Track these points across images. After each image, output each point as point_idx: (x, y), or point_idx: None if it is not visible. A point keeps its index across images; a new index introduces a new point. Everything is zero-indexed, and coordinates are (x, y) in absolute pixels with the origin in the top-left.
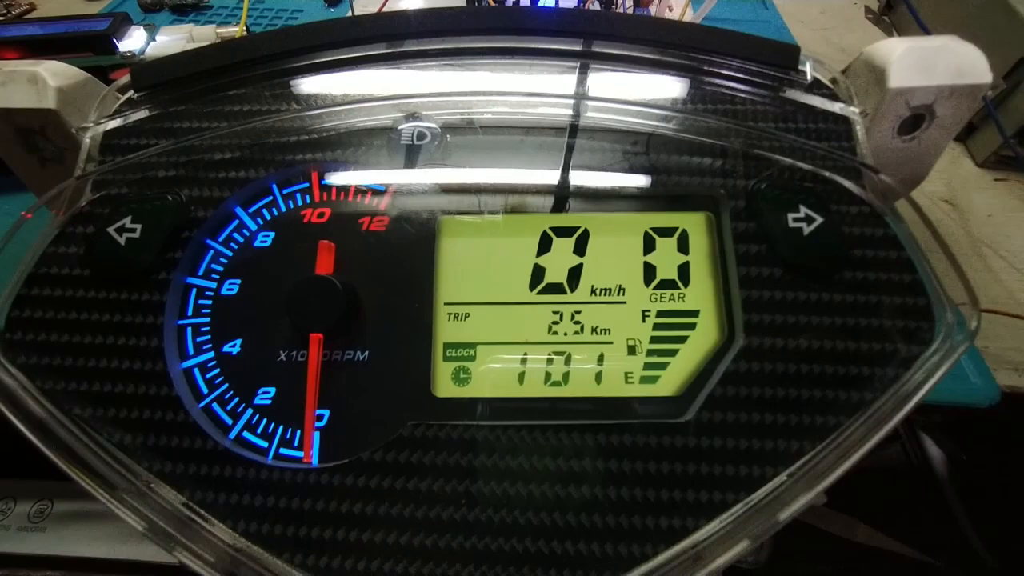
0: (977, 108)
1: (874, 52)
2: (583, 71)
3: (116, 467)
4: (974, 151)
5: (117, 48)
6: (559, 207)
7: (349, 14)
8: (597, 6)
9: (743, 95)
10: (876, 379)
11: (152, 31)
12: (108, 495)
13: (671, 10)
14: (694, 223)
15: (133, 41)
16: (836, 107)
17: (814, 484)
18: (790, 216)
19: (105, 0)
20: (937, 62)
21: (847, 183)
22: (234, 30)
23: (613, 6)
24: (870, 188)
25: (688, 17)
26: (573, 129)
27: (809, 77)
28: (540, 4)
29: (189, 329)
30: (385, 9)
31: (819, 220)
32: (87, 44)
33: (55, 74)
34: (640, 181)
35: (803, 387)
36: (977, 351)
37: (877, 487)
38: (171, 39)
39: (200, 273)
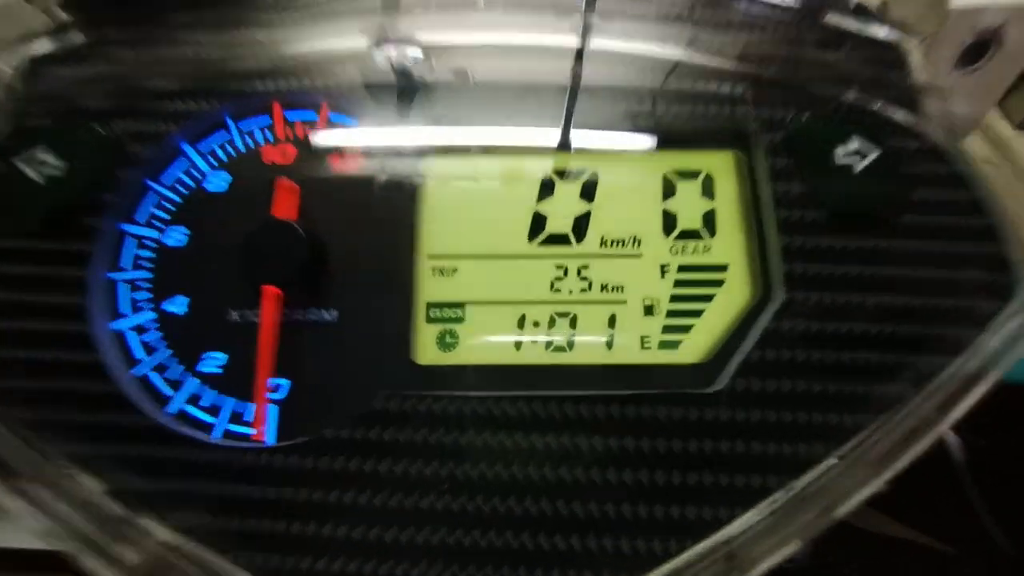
0: None
1: None
2: None
3: (23, 449)
4: (1010, 112)
5: None
6: (564, 146)
7: None
8: None
9: (778, 18)
10: (945, 342)
11: None
12: (7, 486)
13: None
14: (721, 164)
15: None
16: (885, 33)
17: (876, 469)
18: (839, 151)
19: None
20: None
21: (903, 115)
22: None
23: None
24: (931, 121)
25: None
26: (579, 56)
27: (853, 1)
28: None
29: (123, 284)
30: None
31: (873, 155)
32: None
33: None
34: (658, 117)
35: (856, 351)
36: None
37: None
38: None
39: (140, 219)
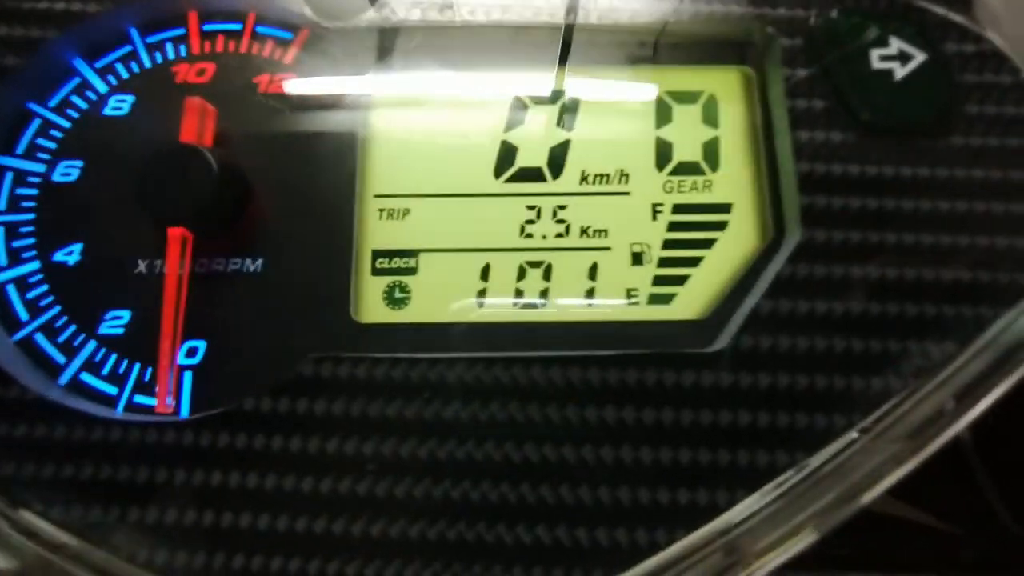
0: None
1: None
2: None
3: None
4: None
5: None
6: (537, 62)
7: None
8: None
9: None
10: (996, 292)
11: None
12: None
13: None
14: (726, 84)
15: None
16: None
17: (907, 445)
18: (876, 53)
19: None
20: None
21: (955, 12)
22: None
23: None
24: (991, 19)
25: None
26: None
27: None
28: None
29: (1, 229)
30: None
31: (919, 59)
32: None
33: None
34: (650, 25)
35: (886, 303)
36: None
37: None
38: None
39: (19, 151)
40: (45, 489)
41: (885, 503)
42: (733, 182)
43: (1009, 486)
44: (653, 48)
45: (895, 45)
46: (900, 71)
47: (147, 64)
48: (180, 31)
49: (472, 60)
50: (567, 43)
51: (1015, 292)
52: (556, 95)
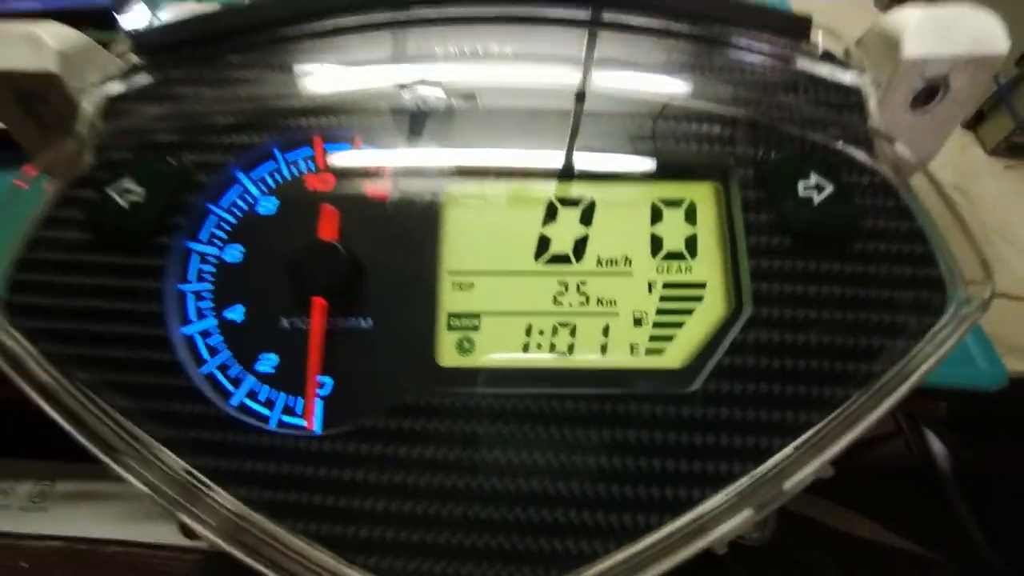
0: (990, 85)
1: (888, 21)
2: (591, 39)
3: (119, 432)
4: (984, 139)
5: (119, 24)
6: (565, 177)
7: None
8: None
9: (754, 65)
10: (886, 351)
11: (154, 7)
12: (112, 459)
13: None
14: (702, 194)
15: (135, 17)
16: (848, 77)
17: (819, 455)
18: (801, 184)
19: None
20: (953, 30)
21: (859, 153)
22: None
23: None
24: (883, 159)
25: None
26: (580, 97)
27: (820, 48)
28: None
29: (190, 294)
30: None
31: (830, 189)
32: (89, 19)
33: (55, 36)
34: (648, 151)
35: (812, 358)
36: (985, 336)
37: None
38: (174, 14)
39: (202, 238)
40: (227, 476)
41: (871, 530)
42: (707, 267)
43: (985, 515)
44: (648, 169)
45: (813, 179)
46: (817, 197)
47: (287, 175)
48: (309, 151)
49: (517, 156)
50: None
51: (896, 354)
52: (579, 200)
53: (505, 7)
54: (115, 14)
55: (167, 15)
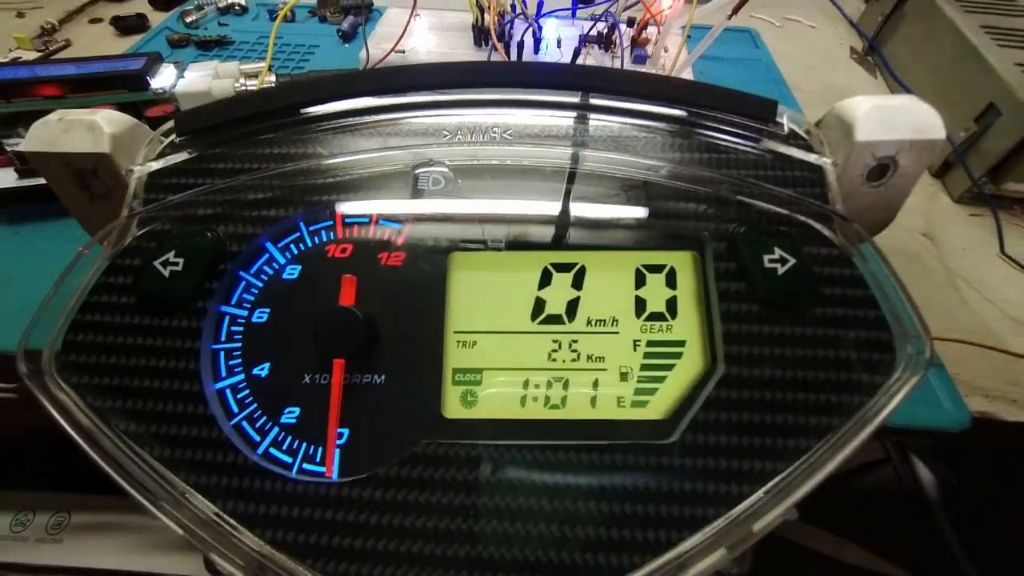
0: (942, 154)
1: (843, 108)
2: (581, 121)
3: (155, 478)
4: (950, 187)
5: (149, 85)
6: (559, 245)
7: (363, 50)
8: (597, 49)
9: (726, 145)
10: (843, 405)
11: (180, 68)
12: (150, 502)
13: (667, 50)
14: (681, 261)
15: (164, 78)
16: (810, 157)
17: (786, 499)
18: (766, 257)
19: (133, 36)
20: (898, 119)
21: (819, 227)
22: (256, 66)
23: (612, 46)
24: (839, 232)
25: (684, 57)
26: (572, 175)
27: (786, 129)
28: (541, 60)
29: (222, 353)
30: (397, 48)
31: (792, 261)
32: (122, 82)
33: (109, 121)
34: (632, 223)
35: (777, 412)
36: (950, 378)
37: (868, 509)
38: (197, 76)
39: (233, 302)
40: (254, 518)
41: (861, 557)
42: (686, 327)
43: (972, 541)
44: (633, 239)
45: (777, 253)
46: (781, 269)
47: (309, 244)
48: (330, 223)
49: (515, 227)
50: (581, 246)
51: (852, 407)
52: (571, 266)
53: (504, 92)
54: (146, 77)
55: (191, 75)
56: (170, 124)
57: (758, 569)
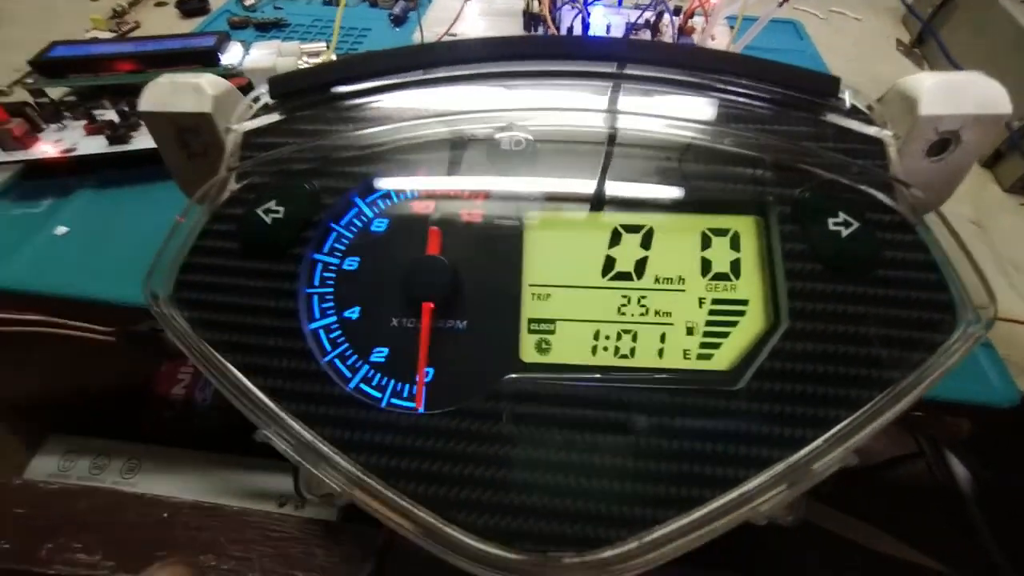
0: (1000, 136)
1: (906, 84)
2: (653, 94)
3: (260, 405)
4: (1001, 177)
5: (220, 61)
6: (629, 207)
7: (416, 33)
8: (646, 35)
9: (790, 117)
10: (902, 361)
11: (246, 47)
12: (262, 423)
13: (714, 39)
14: (745, 225)
15: (232, 55)
16: (872, 130)
17: (844, 444)
18: (830, 221)
19: (196, 19)
20: (963, 94)
21: (881, 195)
22: (316, 46)
23: (659, 34)
24: (901, 200)
25: (730, 47)
26: (642, 144)
27: (848, 104)
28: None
29: (316, 297)
30: (450, 32)
31: (855, 225)
32: (195, 58)
33: (212, 84)
34: (698, 188)
35: (839, 365)
36: (1000, 357)
37: (902, 503)
38: (262, 53)
39: (326, 251)
40: (348, 445)
41: (895, 547)
42: (749, 287)
43: (1007, 536)
44: (700, 203)
45: (841, 216)
46: (844, 231)
47: (396, 200)
48: (416, 180)
49: (588, 189)
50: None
51: (911, 363)
52: (640, 228)
53: (580, 66)
54: (218, 53)
55: (256, 52)
56: (264, 88)
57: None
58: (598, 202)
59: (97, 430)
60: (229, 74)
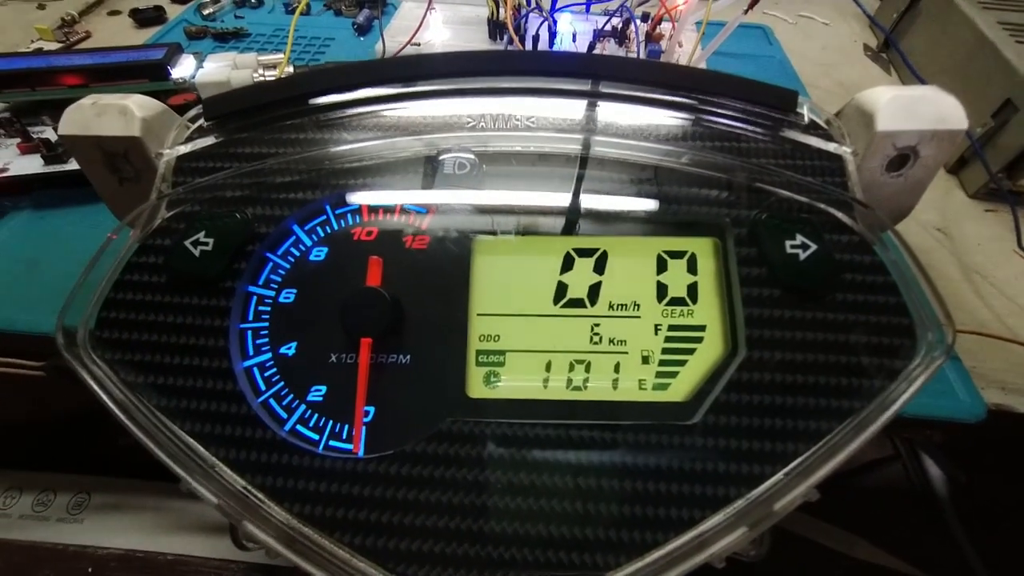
0: (959, 149)
1: (864, 98)
2: (602, 110)
3: (186, 451)
4: (965, 183)
5: (170, 75)
6: (580, 231)
7: (379, 43)
8: (612, 44)
9: (747, 134)
10: (863, 389)
11: (200, 59)
12: (185, 471)
13: (681, 45)
14: (702, 247)
15: (184, 68)
16: (830, 146)
17: (806, 480)
18: (788, 243)
19: (151, 28)
20: (919, 109)
21: (839, 215)
22: (273, 58)
23: (627, 41)
24: (860, 220)
25: (698, 53)
26: (593, 163)
27: (807, 119)
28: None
29: (249, 332)
30: (413, 41)
31: (813, 247)
32: (144, 72)
33: (140, 106)
34: (654, 209)
35: (798, 395)
36: (966, 370)
37: (878, 506)
38: (216, 66)
39: (260, 283)
40: (281, 493)
41: (871, 553)
42: (707, 311)
43: (981, 539)
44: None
45: (799, 239)
46: (802, 255)
47: (335, 227)
48: (356, 206)
49: (538, 212)
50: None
51: (872, 392)
52: (593, 251)
53: (526, 80)
54: (167, 67)
55: (211, 65)
56: (197, 109)
57: (784, 556)
58: (549, 225)
59: (45, 462)
60: (179, 89)
